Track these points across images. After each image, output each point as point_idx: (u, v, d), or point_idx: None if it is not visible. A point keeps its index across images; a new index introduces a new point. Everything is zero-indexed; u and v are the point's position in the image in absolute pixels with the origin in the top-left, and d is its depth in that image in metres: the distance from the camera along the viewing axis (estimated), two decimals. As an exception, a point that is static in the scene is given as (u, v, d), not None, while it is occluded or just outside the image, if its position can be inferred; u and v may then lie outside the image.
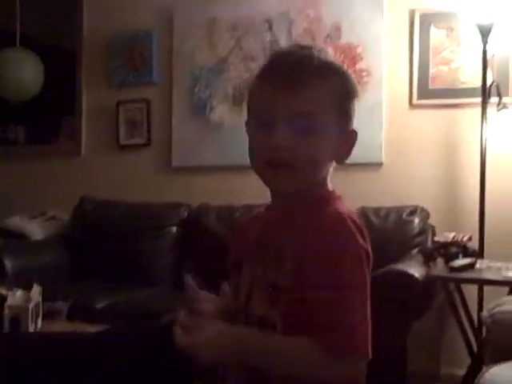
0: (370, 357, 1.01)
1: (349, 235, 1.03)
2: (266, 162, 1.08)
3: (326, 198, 1.11)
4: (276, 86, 1.06)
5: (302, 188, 1.09)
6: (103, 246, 3.66)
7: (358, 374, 1.02)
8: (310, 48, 1.11)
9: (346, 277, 1.01)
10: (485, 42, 3.01)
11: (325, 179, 1.12)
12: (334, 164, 1.12)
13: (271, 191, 1.15)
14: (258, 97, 1.11)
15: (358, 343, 1.00)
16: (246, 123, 1.17)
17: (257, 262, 1.12)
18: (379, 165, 3.42)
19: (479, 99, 3.04)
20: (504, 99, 3.04)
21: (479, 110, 3.04)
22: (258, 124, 1.10)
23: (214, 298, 1.15)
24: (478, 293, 2.94)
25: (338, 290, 1.00)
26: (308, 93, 1.06)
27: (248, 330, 1.07)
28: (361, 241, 1.03)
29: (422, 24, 3.37)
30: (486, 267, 2.71)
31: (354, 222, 1.05)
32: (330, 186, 1.13)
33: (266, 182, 1.11)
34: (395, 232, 3.08)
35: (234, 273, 1.18)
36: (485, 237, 2.99)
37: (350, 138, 1.11)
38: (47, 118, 4.45)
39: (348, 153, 1.12)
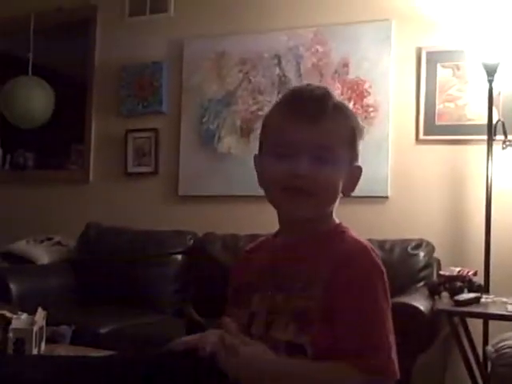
0: (398, 376, 1.06)
1: (374, 263, 1.11)
2: (282, 190, 1.14)
3: (339, 228, 1.18)
4: (299, 119, 1.13)
5: (316, 215, 1.16)
6: (108, 272, 3.67)
7: None
8: (324, 87, 1.19)
9: (377, 300, 1.08)
10: (491, 81, 3.05)
11: (332, 211, 1.19)
12: (339, 197, 1.19)
13: (283, 219, 1.20)
14: (279, 129, 1.16)
15: (393, 364, 1.06)
16: (256, 156, 1.23)
17: (273, 290, 1.14)
18: (385, 198, 3.45)
19: (485, 136, 3.07)
20: (509, 137, 3.08)
21: (485, 146, 3.07)
22: (276, 154, 1.15)
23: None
24: (484, 327, 2.93)
25: (371, 314, 1.07)
26: (329, 127, 1.13)
27: (286, 358, 1.07)
28: (383, 268, 1.11)
29: (429, 62, 3.43)
30: (492, 302, 2.71)
31: (372, 249, 1.13)
32: (335, 217, 1.20)
33: (282, 208, 1.17)
34: (400, 265, 3.09)
35: (241, 301, 1.19)
36: (490, 272, 2.99)
37: (356, 172, 1.20)
38: (56, 144, 4.51)
39: (354, 186, 1.19)
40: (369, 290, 1.07)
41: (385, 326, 1.06)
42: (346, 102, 1.23)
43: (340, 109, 1.17)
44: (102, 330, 3.06)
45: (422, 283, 3.04)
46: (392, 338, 1.07)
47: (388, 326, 1.07)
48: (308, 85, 1.21)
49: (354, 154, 1.18)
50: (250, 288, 1.19)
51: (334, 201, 1.17)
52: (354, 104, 3.52)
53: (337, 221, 1.20)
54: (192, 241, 3.69)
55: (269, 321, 1.12)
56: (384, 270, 1.11)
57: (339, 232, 1.17)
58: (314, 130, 1.12)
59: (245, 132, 3.81)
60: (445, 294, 2.80)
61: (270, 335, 1.11)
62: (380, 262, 1.11)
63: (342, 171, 1.14)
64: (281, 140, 1.15)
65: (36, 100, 4.14)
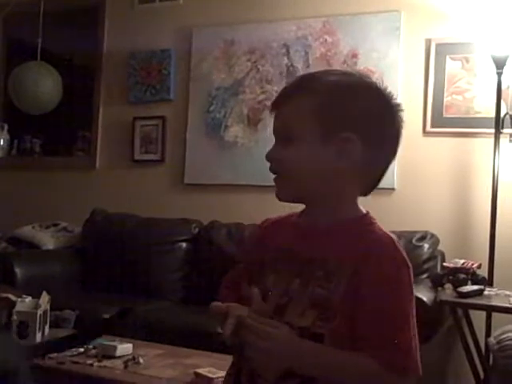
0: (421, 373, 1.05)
1: (402, 258, 1.08)
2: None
3: (367, 219, 1.14)
4: (272, 105, 1.16)
5: (301, 198, 1.14)
6: (113, 259, 3.68)
7: None
8: (314, 72, 1.16)
9: (402, 297, 1.06)
10: (500, 74, 3.04)
11: (350, 197, 1.14)
12: (352, 180, 1.11)
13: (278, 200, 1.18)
14: None
15: (415, 360, 1.04)
16: None
17: (290, 273, 1.11)
18: (391, 190, 3.44)
19: (492, 130, 3.06)
20: (517, 131, 3.07)
21: (492, 140, 3.06)
22: None
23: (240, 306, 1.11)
24: (486, 320, 2.93)
25: (395, 310, 1.04)
26: (290, 108, 1.12)
27: (308, 341, 1.05)
28: (410, 264, 1.08)
29: (438, 54, 3.41)
30: (495, 294, 2.71)
31: (399, 244, 1.10)
32: (361, 207, 1.15)
33: None
34: (405, 257, 3.08)
35: (254, 278, 1.15)
36: (494, 265, 2.99)
37: (342, 145, 1.08)
38: (64, 130, 4.52)
39: (347, 160, 1.08)
40: (395, 287, 1.05)
41: (408, 323, 1.04)
42: (328, 77, 1.13)
43: (308, 86, 1.12)
44: (106, 316, 3.08)
45: (425, 275, 3.04)
46: (415, 335, 1.05)
47: (412, 322, 1.05)
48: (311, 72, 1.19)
49: (327, 126, 1.08)
50: (264, 267, 1.15)
51: (320, 181, 1.10)
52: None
53: (363, 210, 1.15)
54: (197, 229, 3.70)
55: (281, 304, 1.09)
56: (411, 265, 1.08)
57: (367, 223, 1.12)
58: (279, 113, 1.13)
59: (252, 121, 3.81)
60: (448, 286, 2.80)
61: (282, 318, 1.07)
62: (407, 258, 1.08)
63: (310, 147, 1.08)
64: None
65: (44, 86, 4.14)
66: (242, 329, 1.03)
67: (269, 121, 3.84)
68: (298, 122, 1.10)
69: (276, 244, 1.17)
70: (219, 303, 1.09)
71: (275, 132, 1.14)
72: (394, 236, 1.11)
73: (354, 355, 1.03)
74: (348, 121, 1.09)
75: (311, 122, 1.09)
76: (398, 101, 1.15)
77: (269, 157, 1.13)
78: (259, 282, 1.13)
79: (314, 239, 1.12)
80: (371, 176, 1.16)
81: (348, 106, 1.10)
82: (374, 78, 3.68)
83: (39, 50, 4.24)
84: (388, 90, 1.15)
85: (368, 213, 1.15)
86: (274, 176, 1.14)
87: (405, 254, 1.08)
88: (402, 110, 1.15)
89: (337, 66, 3.61)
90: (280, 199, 1.14)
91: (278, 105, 1.14)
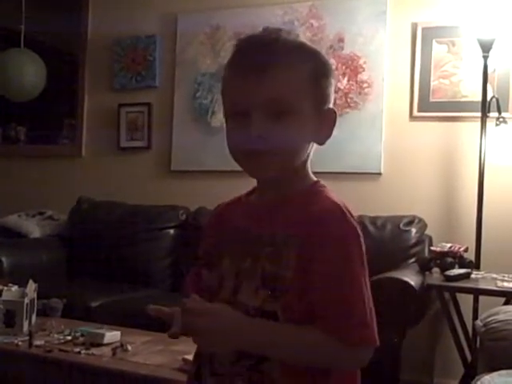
0: (378, 344, 1.01)
1: (349, 226, 1.03)
2: (244, 155, 1.06)
3: (315, 188, 1.10)
4: (246, 73, 1.03)
5: (285, 173, 1.07)
6: (100, 247, 3.67)
7: (365, 362, 1.02)
8: (277, 31, 1.07)
9: (352, 265, 1.01)
10: (486, 57, 3.04)
11: (305, 164, 1.10)
12: (312, 147, 1.10)
13: (257, 179, 1.13)
14: (231, 87, 1.07)
15: (370, 331, 1.00)
16: (224, 115, 1.12)
17: (242, 253, 1.08)
18: (378, 175, 3.44)
19: (479, 113, 3.06)
20: (503, 114, 3.07)
21: (479, 123, 3.06)
22: (232, 114, 1.07)
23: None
24: (474, 303, 2.94)
25: (345, 279, 1.01)
26: (280, 76, 1.03)
27: (254, 319, 1.02)
28: (360, 232, 1.04)
29: (424, 38, 3.40)
30: (482, 277, 2.72)
31: (349, 212, 1.05)
32: (311, 173, 1.11)
33: (248, 172, 1.09)
34: (392, 241, 3.09)
35: (212, 263, 1.13)
36: (481, 248, 3.00)
37: (327, 117, 1.08)
38: (49, 118, 4.48)
39: (329, 131, 1.09)
40: (343, 255, 1.00)
41: (360, 292, 1.00)
42: (306, 43, 1.09)
43: (295, 51, 1.05)
44: (94, 304, 3.07)
45: (413, 259, 3.05)
46: (370, 304, 1.01)
47: (364, 291, 1.01)
48: (264, 29, 1.07)
49: (319, 97, 1.06)
50: (220, 250, 1.12)
51: (303, 154, 1.07)
52: (349, 80, 3.51)
53: (314, 179, 1.11)
54: (184, 215, 3.69)
55: (236, 285, 1.07)
56: (360, 233, 1.03)
57: (315, 192, 1.08)
58: (263, 82, 1.01)
59: (238, 107, 3.79)
60: (436, 270, 2.82)
61: (237, 300, 1.05)
62: (356, 226, 1.03)
63: (304, 120, 1.04)
64: (232, 98, 1.06)
65: (28, 73, 4.09)
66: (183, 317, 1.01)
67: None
68: (293, 94, 1.03)
69: (229, 226, 1.14)
70: (157, 306, 1.08)
71: (259, 106, 1.02)
72: (341, 202, 1.05)
73: (302, 328, 1.00)
74: (330, 93, 1.09)
75: (305, 94, 1.04)
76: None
77: (257, 134, 1.02)
78: (217, 267, 1.11)
79: (262, 216, 1.09)
80: None
81: (328, 79, 1.09)
82: (361, 62, 3.60)
83: (22, 37, 4.19)
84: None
85: (318, 181, 1.11)
86: (254, 155, 1.04)
87: (354, 221, 1.04)
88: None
89: (323, 50, 3.56)
90: (263, 177, 1.09)
91: (260, 73, 1.02)
